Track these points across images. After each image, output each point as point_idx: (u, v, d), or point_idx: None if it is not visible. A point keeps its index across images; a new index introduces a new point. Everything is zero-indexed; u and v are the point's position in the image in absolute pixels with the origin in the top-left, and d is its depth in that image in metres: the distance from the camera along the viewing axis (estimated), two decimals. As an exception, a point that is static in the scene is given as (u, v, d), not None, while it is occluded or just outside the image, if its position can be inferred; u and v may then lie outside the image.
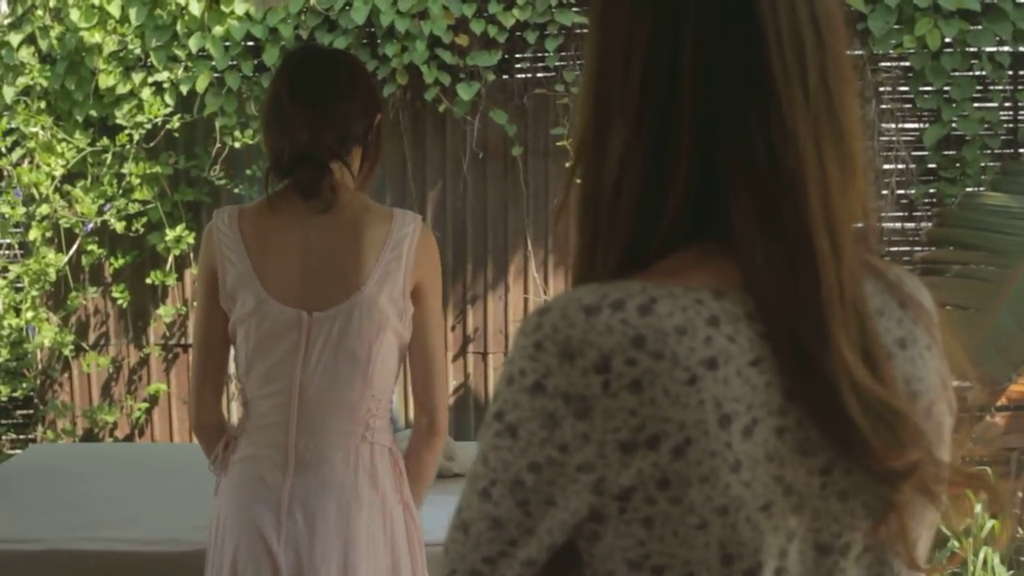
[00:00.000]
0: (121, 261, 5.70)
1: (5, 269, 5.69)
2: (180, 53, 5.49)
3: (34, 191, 5.53)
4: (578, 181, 1.06)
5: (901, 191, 5.37)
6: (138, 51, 5.50)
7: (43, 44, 5.51)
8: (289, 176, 2.30)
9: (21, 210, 5.54)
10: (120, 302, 5.74)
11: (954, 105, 5.23)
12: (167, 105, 5.51)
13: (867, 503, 0.97)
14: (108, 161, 5.56)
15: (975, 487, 1.01)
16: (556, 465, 0.94)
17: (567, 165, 1.11)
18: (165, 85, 5.52)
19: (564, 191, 1.07)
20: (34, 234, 5.56)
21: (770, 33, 0.97)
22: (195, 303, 5.57)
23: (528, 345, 0.96)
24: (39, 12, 5.49)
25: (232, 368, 2.40)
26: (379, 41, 5.42)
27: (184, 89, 5.50)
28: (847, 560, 0.99)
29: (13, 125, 5.52)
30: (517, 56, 5.51)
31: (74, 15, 5.41)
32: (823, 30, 0.99)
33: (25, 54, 5.48)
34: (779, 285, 0.95)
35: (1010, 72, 5.25)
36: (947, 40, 5.13)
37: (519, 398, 0.95)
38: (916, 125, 5.38)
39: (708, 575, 0.94)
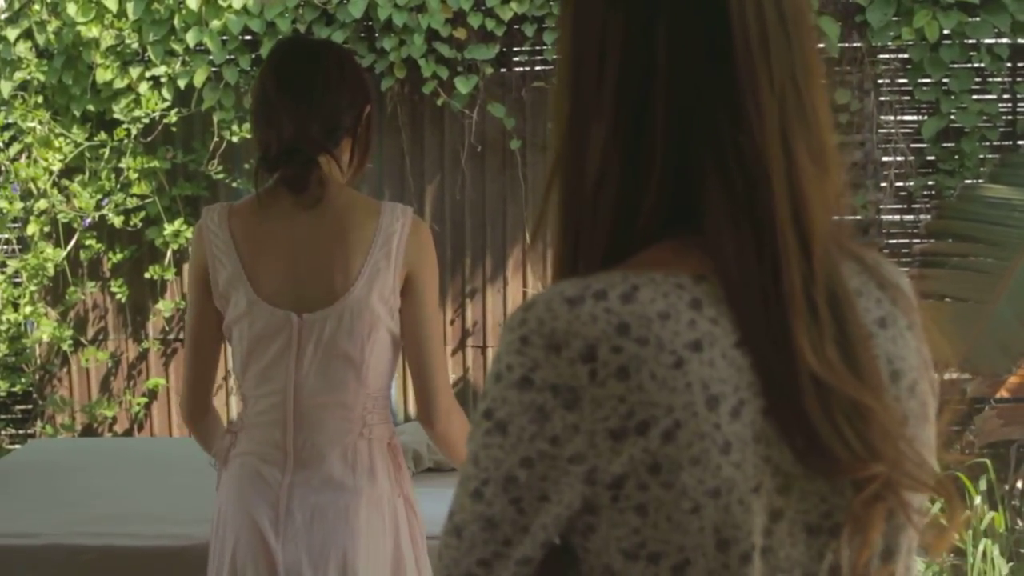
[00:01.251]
0: (119, 256, 5.70)
1: (3, 264, 5.68)
2: (178, 47, 5.48)
3: (32, 186, 5.52)
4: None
5: (900, 183, 5.37)
6: (135, 45, 5.49)
7: (40, 39, 5.50)
8: (276, 170, 2.28)
9: (19, 205, 5.54)
10: (119, 297, 5.73)
11: (953, 97, 5.22)
12: (165, 99, 5.51)
13: (855, 484, 0.97)
14: (106, 156, 5.56)
15: (939, 492, 1.01)
16: (548, 459, 0.94)
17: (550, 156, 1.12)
18: (163, 79, 5.52)
19: (544, 196, 1.07)
20: (32, 229, 5.56)
21: (737, 31, 0.98)
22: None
23: (514, 340, 0.97)
24: (36, 6, 5.48)
25: (231, 364, 2.40)
26: (377, 35, 5.42)
27: (182, 83, 5.49)
28: (838, 540, 0.99)
29: (10, 120, 5.51)
30: (515, 49, 5.50)
31: (71, 9, 5.40)
32: (791, 27, 1.00)
33: (22, 49, 5.47)
34: (746, 278, 0.96)
35: (1009, 64, 5.24)
36: (945, 32, 5.12)
37: (507, 394, 0.96)
38: (915, 117, 5.38)
39: (704, 561, 0.94)
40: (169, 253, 5.65)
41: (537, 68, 5.49)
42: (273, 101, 2.28)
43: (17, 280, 5.67)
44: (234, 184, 5.54)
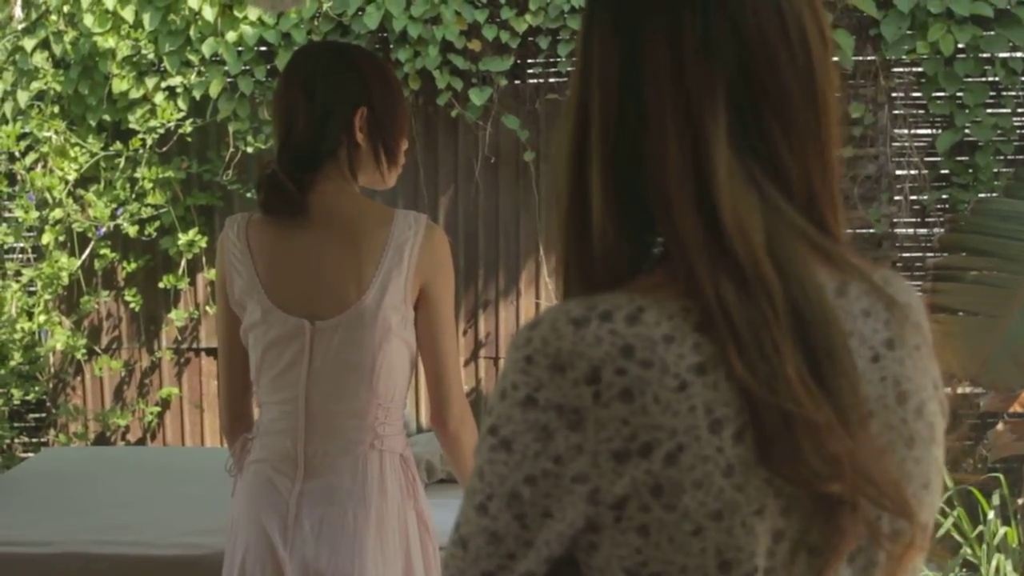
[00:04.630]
0: (134, 265, 5.72)
1: (18, 273, 5.70)
2: (193, 58, 5.51)
3: (47, 195, 5.55)
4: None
5: (914, 197, 5.36)
6: (151, 56, 5.51)
7: (57, 49, 5.53)
8: (263, 199, 2.31)
9: (34, 214, 5.56)
10: (132, 306, 5.75)
11: (967, 111, 5.22)
12: (180, 110, 5.53)
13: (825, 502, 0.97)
14: (121, 165, 5.58)
15: (901, 515, 0.99)
16: (551, 477, 0.95)
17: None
18: (178, 90, 5.54)
19: (554, 207, 1.09)
20: (47, 238, 5.58)
21: (708, 65, 0.99)
22: (207, 308, 5.61)
23: (519, 359, 0.98)
24: (53, 17, 5.51)
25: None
26: (392, 46, 5.43)
27: (197, 94, 5.52)
28: (839, 560, 0.99)
29: (27, 129, 5.53)
30: (529, 61, 5.51)
31: (88, 20, 5.43)
32: (771, 69, 1.00)
33: (39, 59, 5.50)
34: (720, 305, 0.96)
35: (1023, 78, 5.24)
36: (960, 46, 5.12)
37: (512, 412, 0.97)
38: (929, 131, 5.37)
39: None
40: (183, 263, 5.67)
41: (551, 80, 5.49)
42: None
43: (32, 289, 5.69)
44: (248, 194, 5.56)
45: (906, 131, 5.34)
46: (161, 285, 5.68)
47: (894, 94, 5.33)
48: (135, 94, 5.51)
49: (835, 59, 1.06)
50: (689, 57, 0.99)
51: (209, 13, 5.39)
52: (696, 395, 0.93)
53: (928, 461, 1.03)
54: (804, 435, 0.93)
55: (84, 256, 5.68)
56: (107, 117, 5.59)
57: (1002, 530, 4.30)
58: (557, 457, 0.95)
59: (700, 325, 0.95)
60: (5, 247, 5.80)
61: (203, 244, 5.57)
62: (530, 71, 5.54)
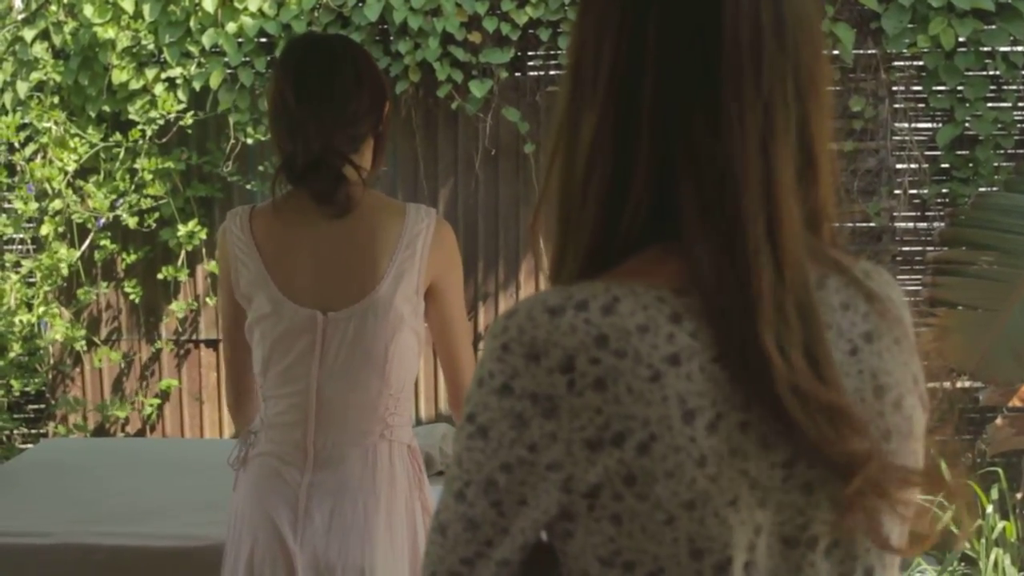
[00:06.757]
0: (133, 256, 5.72)
1: (17, 264, 5.70)
2: (193, 49, 5.50)
3: (47, 186, 5.54)
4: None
5: (914, 191, 5.36)
6: (151, 47, 5.51)
7: (57, 39, 5.52)
8: (302, 183, 2.26)
9: (34, 205, 5.56)
10: (132, 297, 5.75)
11: (967, 105, 5.22)
12: (180, 101, 5.52)
13: (832, 496, 0.98)
14: (121, 156, 5.57)
15: (934, 488, 1.00)
16: (526, 465, 0.96)
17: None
18: (178, 81, 5.53)
19: (543, 185, 1.09)
20: (46, 229, 5.57)
21: (727, 35, 0.97)
22: (208, 300, 5.60)
23: (496, 347, 0.99)
24: (53, 7, 5.50)
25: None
26: (392, 38, 5.43)
27: (197, 85, 5.51)
28: (815, 553, 1.00)
29: (26, 120, 5.53)
30: (530, 53, 5.51)
31: (88, 10, 5.43)
32: (788, 38, 0.99)
33: (39, 49, 5.50)
34: (717, 283, 0.96)
35: (1023, 72, 5.24)
36: (961, 40, 5.12)
37: (488, 400, 0.98)
38: (929, 125, 5.37)
39: (678, 570, 0.95)
40: (183, 254, 5.67)
41: (552, 72, 5.49)
42: (293, 111, 2.24)
43: (31, 280, 5.69)
44: (248, 186, 5.56)
45: (906, 125, 5.34)
46: (161, 276, 5.68)
47: (895, 88, 5.32)
48: (135, 85, 5.50)
49: (835, 52, 1.06)
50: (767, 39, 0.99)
51: (209, 4, 5.38)
52: (669, 385, 0.93)
53: (905, 455, 1.03)
54: (825, 419, 0.93)
55: (83, 247, 5.68)
56: (107, 108, 5.58)
57: (1000, 524, 4.30)
58: (532, 445, 0.96)
59: (675, 316, 0.96)
60: (4, 238, 5.79)
61: (203, 235, 5.57)
62: (530, 63, 5.53)
